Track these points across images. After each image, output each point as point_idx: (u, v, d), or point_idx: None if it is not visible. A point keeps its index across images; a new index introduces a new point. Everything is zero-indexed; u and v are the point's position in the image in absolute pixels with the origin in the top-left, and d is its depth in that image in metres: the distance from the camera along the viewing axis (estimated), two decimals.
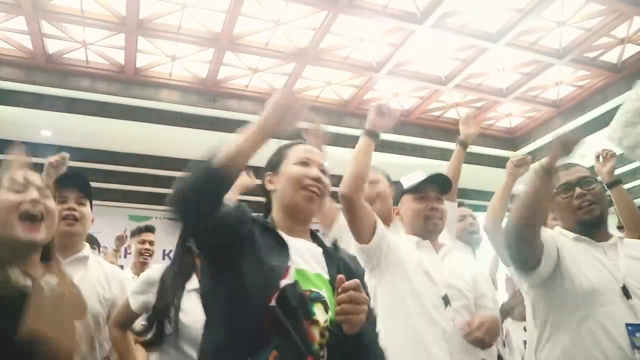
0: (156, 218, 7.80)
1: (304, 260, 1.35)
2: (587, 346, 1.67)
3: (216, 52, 5.71)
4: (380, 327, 1.43)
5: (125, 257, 8.52)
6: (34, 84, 5.93)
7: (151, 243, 3.78)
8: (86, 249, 2.06)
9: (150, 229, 3.86)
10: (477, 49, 5.79)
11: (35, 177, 1.35)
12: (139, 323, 2.00)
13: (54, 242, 1.42)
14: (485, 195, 9.36)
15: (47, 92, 6.08)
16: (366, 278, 1.75)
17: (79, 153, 7.18)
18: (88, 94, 6.16)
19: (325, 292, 1.31)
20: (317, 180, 1.45)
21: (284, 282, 1.24)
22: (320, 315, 1.27)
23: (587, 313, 1.71)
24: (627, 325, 1.65)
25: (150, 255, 3.78)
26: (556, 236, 1.85)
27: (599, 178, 2.19)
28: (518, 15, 5.24)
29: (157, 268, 2.04)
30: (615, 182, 2.52)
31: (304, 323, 1.23)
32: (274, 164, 1.53)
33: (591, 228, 1.86)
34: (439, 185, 2.10)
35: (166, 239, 3.82)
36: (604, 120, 6.71)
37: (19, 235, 1.26)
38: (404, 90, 6.71)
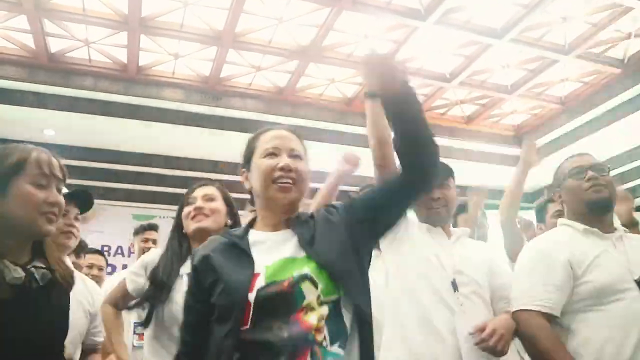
0: (160, 217, 7.80)
1: (280, 252, 1.33)
2: (610, 338, 1.66)
3: (219, 50, 5.68)
4: (388, 301, 1.41)
5: (129, 255, 8.56)
6: (37, 83, 5.91)
7: (154, 242, 3.74)
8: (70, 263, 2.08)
9: (153, 227, 3.83)
10: (482, 45, 5.74)
11: (56, 167, 1.43)
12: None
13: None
14: (490, 193, 9.30)
15: (49, 91, 6.06)
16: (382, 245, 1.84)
17: (81, 152, 7.19)
18: (91, 93, 6.14)
19: (308, 269, 1.28)
20: (286, 169, 1.39)
21: (251, 296, 1.23)
22: (310, 293, 1.25)
23: (605, 307, 1.69)
24: None
25: None
26: (566, 252, 1.79)
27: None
28: (523, 11, 5.19)
29: (156, 252, 2.03)
30: None
31: (294, 319, 1.22)
32: (246, 159, 1.50)
33: (599, 210, 1.85)
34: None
35: None
36: (610, 117, 6.67)
37: (41, 227, 1.38)
38: None
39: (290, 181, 1.39)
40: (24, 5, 4.81)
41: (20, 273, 1.36)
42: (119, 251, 8.70)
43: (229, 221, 1.98)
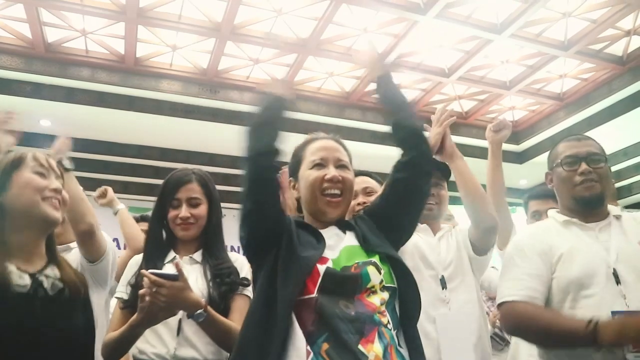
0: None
1: (343, 242, 1.40)
2: None
3: (217, 41, 5.65)
4: None
5: (124, 248, 8.51)
6: (33, 73, 5.86)
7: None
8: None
9: (146, 219, 3.77)
10: (481, 40, 5.73)
11: (54, 163, 1.48)
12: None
13: (54, 235, 1.52)
14: (487, 188, 9.30)
15: (46, 82, 6.01)
16: None
17: (78, 143, 7.08)
18: (88, 84, 6.09)
19: (372, 258, 1.35)
20: (335, 180, 1.44)
21: (321, 267, 1.28)
22: (375, 276, 1.31)
23: (575, 300, 1.62)
24: (613, 313, 1.54)
25: None
26: (538, 245, 1.73)
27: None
28: (523, 6, 5.17)
29: (131, 265, 1.96)
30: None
31: (358, 299, 1.26)
32: (293, 169, 1.55)
33: (587, 206, 1.76)
34: (440, 170, 2.06)
35: None
36: (609, 114, 6.67)
37: (46, 211, 1.41)
38: (406, 82, 6.64)
39: (338, 192, 1.45)
40: None
41: (26, 281, 1.33)
42: (115, 243, 8.64)
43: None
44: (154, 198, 1.98)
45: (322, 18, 5.30)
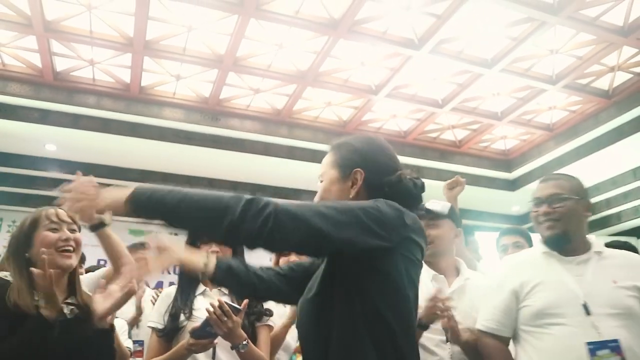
0: (156, 232, 7.90)
1: None
2: None
3: (219, 72, 5.87)
4: None
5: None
6: (41, 100, 6.06)
7: None
8: None
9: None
10: (473, 74, 5.97)
11: (64, 215, 1.77)
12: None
13: (77, 271, 1.82)
14: (481, 215, 9.53)
15: (53, 108, 6.21)
16: None
17: (81, 167, 7.25)
18: (93, 111, 6.29)
19: None
20: None
21: None
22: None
23: (543, 328, 1.74)
24: (588, 344, 1.63)
25: None
26: (514, 277, 1.87)
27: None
28: (513, 43, 5.43)
29: (163, 296, 2.12)
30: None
31: None
32: None
33: (551, 244, 1.87)
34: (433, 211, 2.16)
35: None
36: (596, 144, 6.90)
37: (59, 261, 1.70)
38: (401, 112, 6.87)
39: None
40: (34, 26, 4.99)
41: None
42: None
43: None
44: (154, 221, 2.11)
45: (321, 52, 5.53)
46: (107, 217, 1.88)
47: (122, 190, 1.21)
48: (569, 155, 7.29)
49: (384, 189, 1.33)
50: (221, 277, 1.44)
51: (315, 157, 6.82)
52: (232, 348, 1.79)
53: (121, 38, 5.33)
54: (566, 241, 1.85)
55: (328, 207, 1.21)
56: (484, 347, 1.87)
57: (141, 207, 1.20)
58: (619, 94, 6.29)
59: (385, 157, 1.41)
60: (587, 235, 1.91)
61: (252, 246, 1.19)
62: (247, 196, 1.17)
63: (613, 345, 1.62)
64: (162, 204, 1.19)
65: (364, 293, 1.23)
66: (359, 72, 6.01)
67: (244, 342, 1.77)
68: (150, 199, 1.20)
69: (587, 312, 1.69)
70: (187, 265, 1.44)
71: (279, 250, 1.82)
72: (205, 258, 1.44)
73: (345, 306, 1.23)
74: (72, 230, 1.77)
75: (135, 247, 3.90)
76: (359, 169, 1.36)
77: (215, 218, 1.14)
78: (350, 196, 1.35)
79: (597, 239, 1.92)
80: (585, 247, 1.86)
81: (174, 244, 1.45)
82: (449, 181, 2.62)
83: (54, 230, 1.73)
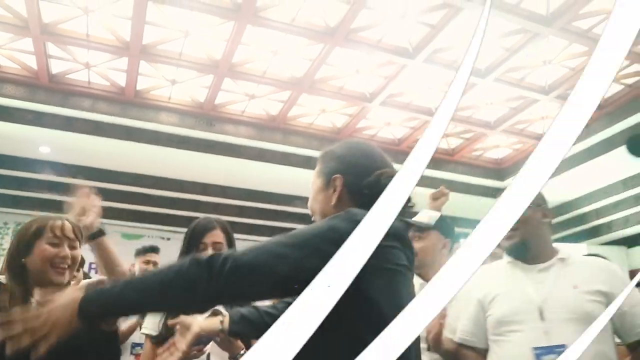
0: (148, 237, 7.91)
1: None
2: None
3: (215, 78, 5.89)
4: None
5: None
6: (36, 102, 6.05)
7: (155, 264, 3.80)
8: None
9: (154, 249, 3.91)
10: (467, 83, 5.99)
11: (69, 230, 1.77)
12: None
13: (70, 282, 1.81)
14: (473, 223, 9.52)
15: (48, 110, 6.21)
16: None
17: (75, 170, 7.31)
18: (88, 114, 6.28)
19: None
20: None
21: None
22: None
23: (503, 336, 1.78)
24: (534, 349, 1.65)
25: None
26: (480, 286, 1.91)
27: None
28: (506, 53, 5.49)
29: None
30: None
31: None
32: None
33: (514, 255, 1.90)
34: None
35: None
36: (587, 154, 6.97)
37: (51, 277, 1.71)
38: (395, 120, 6.92)
39: None
40: (30, 29, 4.99)
41: None
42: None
43: None
44: (147, 225, 2.15)
45: (316, 59, 5.57)
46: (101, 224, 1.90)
47: (65, 305, 1.09)
48: (560, 165, 7.28)
49: (364, 191, 1.27)
50: (237, 329, 1.52)
51: (309, 163, 6.84)
52: (229, 358, 1.78)
53: (117, 42, 5.35)
54: (526, 249, 1.87)
55: (283, 244, 1.11)
56: (461, 358, 1.91)
57: (96, 311, 1.11)
58: (610, 104, 6.36)
59: (366, 160, 1.36)
60: (554, 244, 1.93)
61: (217, 304, 1.21)
62: (202, 257, 1.08)
63: (560, 351, 1.60)
64: (121, 299, 1.10)
65: (344, 322, 1.05)
66: (353, 80, 6.06)
67: (242, 352, 1.76)
68: (102, 302, 1.11)
69: (542, 318, 1.71)
70: (207, 332, 1.52)
71: (244, 302, 1.70)
72: (219, 317, 1.52)
73: (330, 334, 1.04)
74: (73, 247, 1.77)
75: (143, 252, 3.91)
76: (338, 175, 1.33)
77: (185, 289, 1.06)
78: (332, 203, 1.32)
79: (565, 247, 1.93)
80: (550, 254, 1.88)
81: (188, 318, 1.54)
82: (433, 192, 2.66)
83: (54, 245, 1.73)
